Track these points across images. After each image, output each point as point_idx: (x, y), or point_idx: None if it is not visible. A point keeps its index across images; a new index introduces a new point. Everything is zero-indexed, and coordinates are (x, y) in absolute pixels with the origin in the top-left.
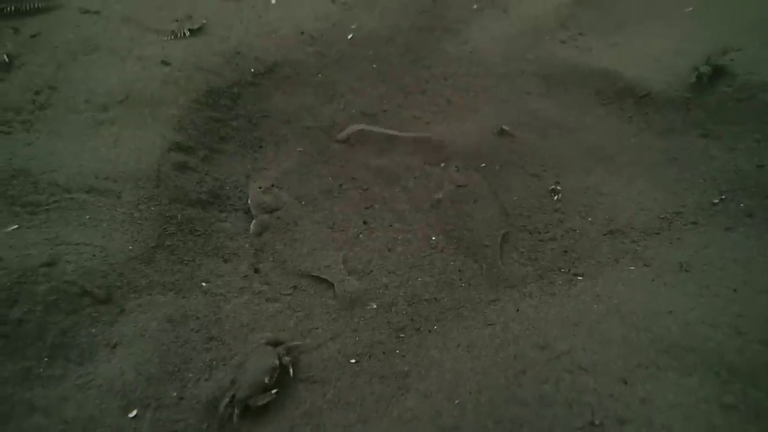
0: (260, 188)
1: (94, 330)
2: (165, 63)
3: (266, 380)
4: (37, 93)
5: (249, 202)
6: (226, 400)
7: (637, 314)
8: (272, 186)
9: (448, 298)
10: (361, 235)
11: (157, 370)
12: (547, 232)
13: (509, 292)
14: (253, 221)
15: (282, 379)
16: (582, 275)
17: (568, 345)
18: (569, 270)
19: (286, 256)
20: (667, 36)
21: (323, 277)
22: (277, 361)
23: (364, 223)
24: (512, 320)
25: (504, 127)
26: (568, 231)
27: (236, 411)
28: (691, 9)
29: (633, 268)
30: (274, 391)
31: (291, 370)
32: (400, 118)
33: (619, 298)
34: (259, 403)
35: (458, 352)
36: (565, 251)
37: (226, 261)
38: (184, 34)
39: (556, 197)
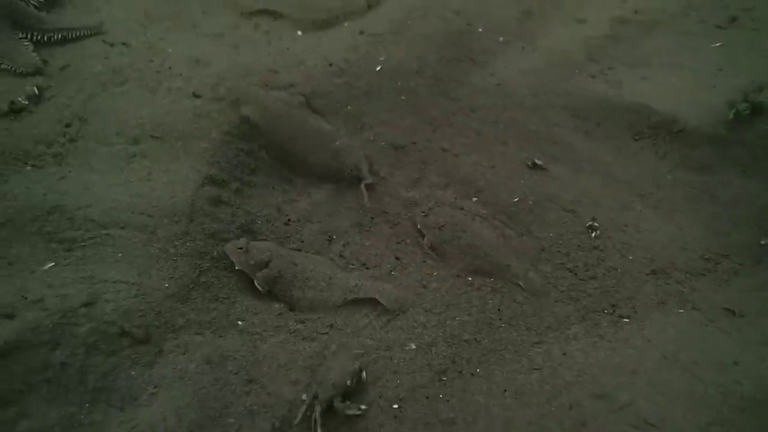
0: (240, 248)
1: (133, 372)
2: (196, 96)
3: (348, 383)
4: (67, 125)
5: (236, 266)
6: (307, 400)
7: (698, 364)
8: (247, 242)
9: (488, 338)
10: (393, 272)
11: (198, 416)
12: (587, 270)
13: (552, 333)
14: (255, 281)
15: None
16: (628, 317)
17: (629, 396)
18: (614, 311)
19: (311, 300)
20: (697, 71)
21: (360, 297)
22: (358, 365)
23: (397, 258)
24: (560, 365)
25: (536, 160)
26: (609, 270)
27: (317, 411)
28: (720, 44)
29: (681, 311)
30: (363, 406)
31: (364, 374)
32: (430, 150)
33: (674, 344)
34: (347, 412)
35: (505, 398)
36: (607, 291)
37: (259, 298)
38: None
39: (593, 234)
